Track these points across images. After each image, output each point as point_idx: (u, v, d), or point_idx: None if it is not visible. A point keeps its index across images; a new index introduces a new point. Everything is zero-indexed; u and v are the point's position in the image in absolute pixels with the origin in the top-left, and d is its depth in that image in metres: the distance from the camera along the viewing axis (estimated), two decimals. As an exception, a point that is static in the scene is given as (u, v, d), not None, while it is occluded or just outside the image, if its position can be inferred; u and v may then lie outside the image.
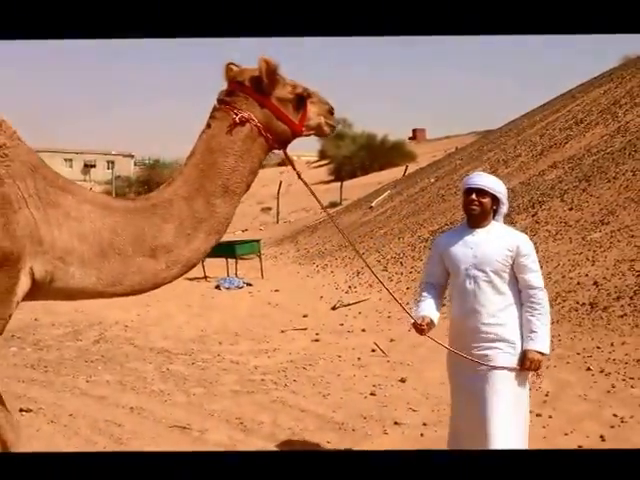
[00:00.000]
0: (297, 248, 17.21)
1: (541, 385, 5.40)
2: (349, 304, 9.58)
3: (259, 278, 12.71)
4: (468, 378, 3.32)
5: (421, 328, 3.41)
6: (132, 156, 60.55)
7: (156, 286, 2.61)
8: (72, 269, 2.41)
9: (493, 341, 3.29)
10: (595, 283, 7.85)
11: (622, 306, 7.10)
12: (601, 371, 5.58)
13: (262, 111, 2.66)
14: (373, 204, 20.03)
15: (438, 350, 6.85)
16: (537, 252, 9.88)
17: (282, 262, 15.53)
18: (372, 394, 5.54)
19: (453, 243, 3.43)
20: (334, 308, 9.48)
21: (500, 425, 3.19)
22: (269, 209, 26.98)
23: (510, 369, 3.26)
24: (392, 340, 7.36)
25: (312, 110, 2.77)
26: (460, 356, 3.33)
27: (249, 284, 12.03)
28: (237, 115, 2.61)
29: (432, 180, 20.11)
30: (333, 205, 26.63)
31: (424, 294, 3.54)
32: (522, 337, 3.31)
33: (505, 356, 3.27)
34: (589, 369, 5.76)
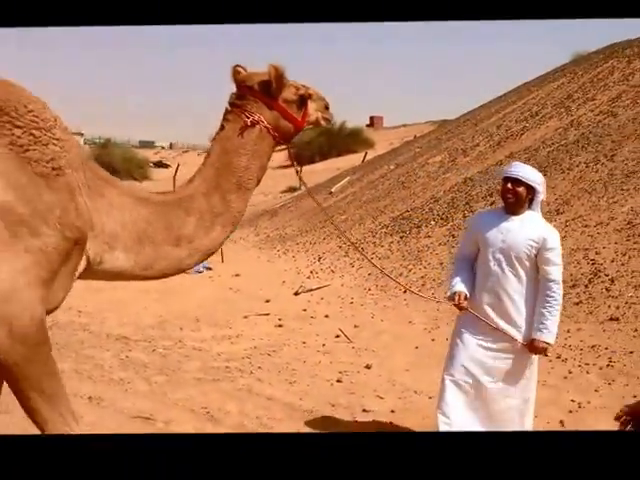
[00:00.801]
0: (257, 232, 16.97)
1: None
2: (311, 289, 9.43)
3: (219, 262, 12.44)
4: (480, 349, 3.62)
5: (461, 306, 3.62)
6: (82, 134, 58.51)
7: (179, 271, 2.90)
8: (117, 253, 2.64)
9: (505, 322, 3.58)
10: (552, 271, 7.89)
11: (577, 294, 7.15)
12: (558, 357, 5.57)
13: (270, 112, 2.88)
14: (333, 189, 19.91)
15: (401, 337, 6.84)
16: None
17: (242, 246, 15.26)
18: (338, 381, 5.42)
19: (487, 225, 3.67)
20: (296, 293, 9.31)
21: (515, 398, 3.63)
22: (229, 193, 26.52)
23: (520, 344, 3.58)
24: (356, 326, 7.25)
25: (311, 107, 3.03)
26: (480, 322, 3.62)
27: (209, 268, 11.74)
28: (248, 118, 2.83)
29: (392, 167, 20.07)
30: (292, 190, 26.45)
31: (457, 269, 3.78)
32: (527, 324, 3.59)
33: (513, 335, 3.58)
34: (546, 355, 5.76)
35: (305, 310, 8.21)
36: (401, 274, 9.66)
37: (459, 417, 3.61)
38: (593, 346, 5.61)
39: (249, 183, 2.89)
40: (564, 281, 7.42)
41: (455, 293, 3.64)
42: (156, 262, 2.74)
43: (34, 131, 2.40)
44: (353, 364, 5.89)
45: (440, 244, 10.54)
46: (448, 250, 10.09)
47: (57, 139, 2.47)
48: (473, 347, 3.64)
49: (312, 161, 38.98)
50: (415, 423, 4.46)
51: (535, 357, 3.69)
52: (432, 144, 21.77)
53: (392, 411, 4.70)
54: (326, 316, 7.85)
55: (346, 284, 9.77)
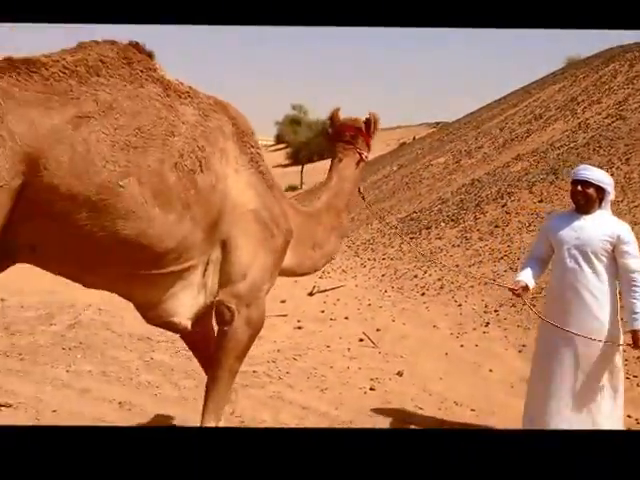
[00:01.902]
0: (262, 230, 16.67)
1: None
2: (326, 290, 9.13)
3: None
4: (563, 347, 3.57)
5: (517, 292, 3.71)
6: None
7: (315, 271, 3.49)
8: (289, 253, 3.05)
9: (586, 315, 3.55)
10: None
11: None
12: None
13: (367, 147, 3.56)
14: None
15: (426, 342, 6.56)
16: (513, 243, 9.58)
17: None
18: (372, 389, 5.12)
19: (560, 225, 3.71)
20: (311, 294, 9.01)
21: (605, 393, 3.53)
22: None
23: (618, 344, 3.53)
24: (378, 330, 6.96)
25: None
26: (554, 327, 3.58)
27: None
28: (361, 154, 3.49)
29: (394, 168, 19.83)
30: (293, 189, 26.16)
31: (525, 264, 3.87)
32: (611, 315, 3.55)
33: (598, 330, 3.52)
34: None
35: (323, 312, 7.91)
36: (416, 276, 9.38)
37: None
38: (639, 357, 5.34)
39: (350, 204, 3.53)
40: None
41: (517, 282, 3.76)
42: (304, 262, 3.24)
43: (259, 150, 2.88)
44: (383, 371, 5.59)
45: (453, 246, 10.28)
46: (462, 252, 9.83)
47: None
48: (563, 355, 3.61)
49: (310, 160, 38.73)
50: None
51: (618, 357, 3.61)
52: (434, 146, 21.54)
53: (433, 423, 4.41)
54: (346, 318, 7.56)
55: (360, 285, 9.48)
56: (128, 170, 2.27)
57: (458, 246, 10.16)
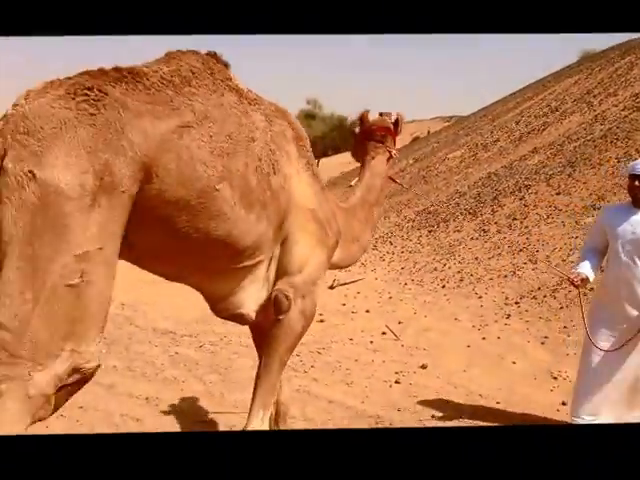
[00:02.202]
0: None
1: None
2: (346, 283, 9.03)
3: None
4: (614, 340, 3.55)
5: (576, 284, 3.65)
6: None
7: (352, 264, 3.60)
8: (338, 248, 3.13)
9: (638, 311, 3.51)
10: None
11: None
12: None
13: (394, 146, 3.66)
14: (352, 183, 19.45)
15: (449, 335, 6.44)
16: (531, 235, 9.34)
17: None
18: (397, 382, 5.02)
19: (616, 218, 3.66)
20: (332, 287, 8.91)
21: None
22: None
23: None
24: (400, 322, 6.85)
25: None
26: (591, 335, 3.61)
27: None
28: (391, 152, 3.58)
29: (410, 162, 19.63)
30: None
31: (584, 256, 3.79)
32: None
33: None
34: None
35: (344, 305, 7.81)
36: (435, 269, 9.25)
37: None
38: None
39: (380, 200, 3.56)
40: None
41: (577, 273, 3.70)
42: (347, 256, 3.31)
43: (311, 153, 2.96)
44: (407, 364, 5.49)
45: (472, 239, 10.12)
46: (481, 245, 9.67)
47: None
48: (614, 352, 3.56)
49: (325, 154, 38.54)
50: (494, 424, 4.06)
51: None
52: (450, 139, 21.30)
53: (461, 416, 4.30)
54: (367, 311, 7.46)
55: (380, 278, 9.37)
56: (223, 175, 2.38)
57: (477, 239, 10.00)
